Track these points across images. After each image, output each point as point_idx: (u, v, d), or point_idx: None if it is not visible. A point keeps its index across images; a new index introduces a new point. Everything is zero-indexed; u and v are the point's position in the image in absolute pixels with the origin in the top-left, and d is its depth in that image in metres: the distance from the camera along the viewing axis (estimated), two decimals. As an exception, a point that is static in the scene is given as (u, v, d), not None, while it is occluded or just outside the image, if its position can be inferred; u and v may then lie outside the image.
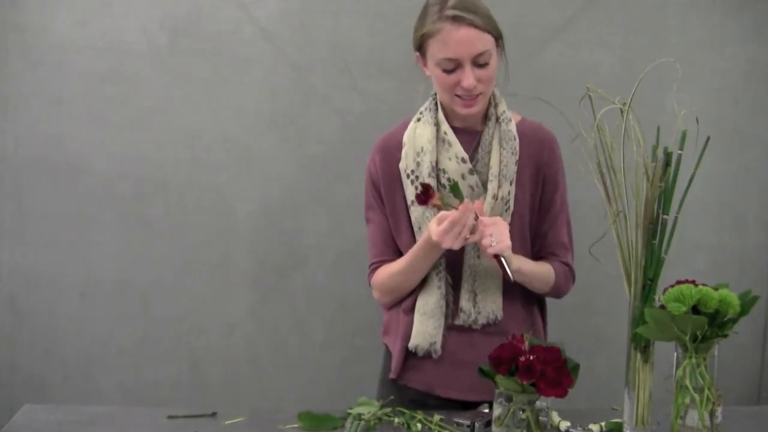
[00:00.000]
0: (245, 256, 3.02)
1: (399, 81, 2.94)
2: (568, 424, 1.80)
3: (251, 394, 3.05)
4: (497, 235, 1.80)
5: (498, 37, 1.90)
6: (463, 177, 1.95)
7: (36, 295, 3.00)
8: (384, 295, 2.08)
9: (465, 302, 1.98)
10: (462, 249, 1.93)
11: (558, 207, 2.03)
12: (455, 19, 1.83)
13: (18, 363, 3.02)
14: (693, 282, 1.57)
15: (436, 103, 2.01)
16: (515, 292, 2.00)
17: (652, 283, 1.64)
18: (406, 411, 1.84)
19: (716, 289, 1.57)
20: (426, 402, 1.99)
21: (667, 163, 1.61)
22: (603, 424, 1.79)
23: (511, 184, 1.96)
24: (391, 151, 2.04)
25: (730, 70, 3.06)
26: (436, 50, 1.87)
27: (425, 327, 2.00)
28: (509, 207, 1.96)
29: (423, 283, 2.01)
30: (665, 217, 1.62)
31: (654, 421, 1.66)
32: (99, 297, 3.01)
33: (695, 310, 1.55)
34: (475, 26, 1.83)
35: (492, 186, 1.94)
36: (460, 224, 1.79)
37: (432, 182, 1.93)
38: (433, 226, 1.82)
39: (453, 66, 1.86)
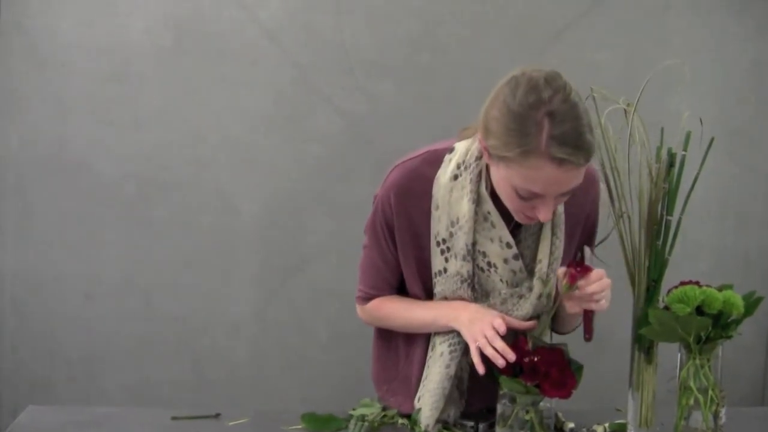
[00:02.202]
0: (249, 256, 3.03)
1: (402, 82, 2.95)
2: (572, 425, 1.79)
3: (255, 395, 3.05)
4: (607, 294, 1.59)
5: None
6: (505, 261, 1.68)
7: (40, 296, 3.00)
8: (373, 321, 1.89)
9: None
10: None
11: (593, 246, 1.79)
12: (560, 162, 1.45)
13: (22, 363, 3.03)
14: (697, 283, 1.57)
15: (479, 171, 1.66)
16: None
17: (656, 284, 1.63)
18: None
19: (720, 290, 1.57)
20: None
21: (671, 164, 1.61)
22: (607, 425, 1.79)
23: (555, 274, 1.68)
24: (413, 194, 1.70)
25: (734, 71, 3.05)
26: (518, 179, 1.50)
27: (435, 403, 1.75)
28: (551, 301, 1.71)
29: (434, 352, 1.76)
30: (669, 218, 1.62)
31: (658, 422, 1.66)
32: (103, 297, 3.01)
33: (699, 311, 1.55)
34: (580, 166, 1.48)
35: (539, 285, 1.68)
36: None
37: (468, 265, 1.68)
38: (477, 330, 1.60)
39: (533, 196, 1.52)
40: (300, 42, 2.96)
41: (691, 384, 1.56)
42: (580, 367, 1.64)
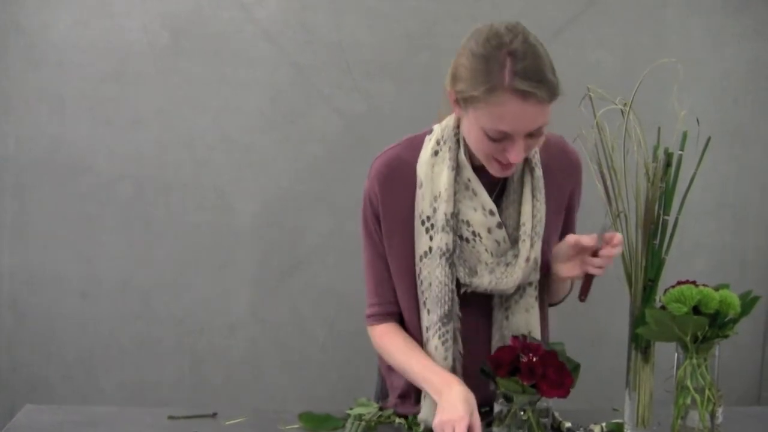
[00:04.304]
0: (246, 256, 3.03)
1: (400, 81, 2.95)
2: (569, 424, 1.79)
3: (252, 395, 3.05)
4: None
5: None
6: (489, 231, 1.68)
7: (37, 296, 3.00)
8: (378, 351, 1.87)
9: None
10: (485, 309, 1.76)
11: (574, 222, 1.85)
12: (524, 95, 1.50)
13: (19, 363, 3.03)
14: (694, 282, 1.57)
15: (457, 141, 1.71)
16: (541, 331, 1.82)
17: (653, 284, 1.64)
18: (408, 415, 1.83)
19: (717, 289, 1.57)
20: None
21: (668, 164, 1.61)
22: (604, 424, 1.79)
23: (541, 239, 1.71)
24: (396, 180, 1.74)
25: (731, 71, 3.06)
26: (486, 117, 1.54)
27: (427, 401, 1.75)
28: (537, 266, 1.73)
29: (428, 347, 1.76)
30: (666, 217, 1.62)
31: (655, 422, 1.66)
32: (100, 297, 3.01)
33: (696, 310, 1.55)
34: (543, 101, 1.52)
35: (524, 247, 1.68)
36: None
37: (447, 237, 1.68)
38: (438, 425, 1.59)
39: (503, 137, 1.55)
40: (298, 42, 2.96)
41: (688, 383, 1.56)
42: (576, 367, 1.64)
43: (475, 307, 1.75)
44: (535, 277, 1.74)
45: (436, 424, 1.59)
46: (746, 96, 3.07)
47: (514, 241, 1.70)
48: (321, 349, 3.06)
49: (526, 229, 1.69)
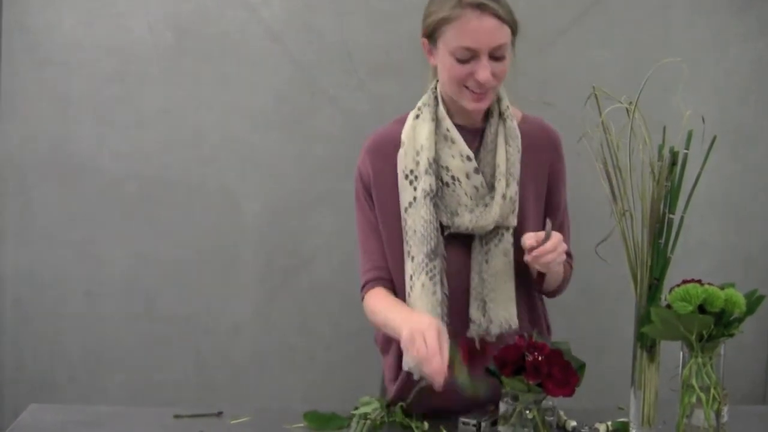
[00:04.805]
0: (251, 255, 3.03)
1: (405, 81, 2.94)
2: (575, 423, 1.80)
3: (257, 394, 3.05)
4: (559, 250, 1.72)
5: (515, 32, 1.80)
6: (467, 176, 1.82)
7: (41, 295, 3.01)
8: (369, 319, 1.93)
9: (474, 311, 1.84)
10: (466, 253, 1.85)
11: (561, 201, 1.96)
12: (479, 7, 1.72)
13: (24, 363, 3.03)
14: (699, 281, 1.57)
15: (435, 98, 1.89)
16: (521, 297, 1.90)
17: (658, 283, 1.64)
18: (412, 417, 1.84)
19: (722, 288, 1.57)
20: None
21: (673, 163, 1.61)
22: (609, 423, 1.79)
23: (516, 183, 1.85)
24: (385, 151, 1.91)
25: (735, 70, 3.05)
26: (452, 37, 1.74)
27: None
28: (515, 207, 1.85)
29: (414, 291, 1.84)
30: (671, 216, 1.62)
31: (660, 421, 1.66)
32: (104, 297, 3.01)
33: (701, 309, 1.55)
34: (499, 17, 1.73)
35: (500, 185, 1.82)
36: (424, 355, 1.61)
37: (430, 179, 1.81)
38: (407, 336, 1.63)
39: (469, 56, 1.74)
40: (302, 41, 2.96)
41: (694, 382, 1.56)
42: (582, 365, 1.65)
43: (457, 251, 1.86)
44: (513, 221, 1.85)
45: (405, 336, 1.64)
46: (750, 95, 3.06)
47: (491, 186, 1.84)
48: (326, 349, 3.06)
49: (501, 170, 1.83)
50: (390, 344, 1.96)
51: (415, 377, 1.67)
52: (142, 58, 2.94)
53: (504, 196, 1.82)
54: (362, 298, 1.94)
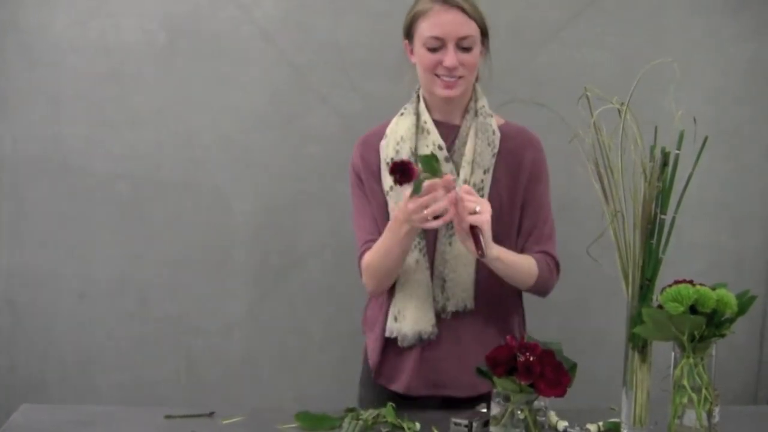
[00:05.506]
0: (244, 255, 3.03)
1: (398, 81, 2.94)
2: (566, 423, 1.80)
3: (249, 394, 3.05)
4: (482, 205, 1.82)
5: (484, 33, 1.99)
6: None
7: (34, 295, 3.00)
8: (370, 278, 2.05)
9: (435, 288, 2.01)
10: (435, 234, 1.99)
11: (540, 200, 2.06)
12: (447, 2, 1.94)
13: (16, 363, 3.02)
14: (691, 282, 1.57)
15: (418, 96, 2.09)
16: (491, 284, 2.00)
17: (650, 283, 1.64)
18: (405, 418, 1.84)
19: (714, 288, 1.57)
20: (407, 404, 1.97)
21: (665, 163, 1.61)
22: (601, 423, 1.80)
23: (485, 173, 1.99)
24: (372, 144, 2.10)
25: (730, 70, 3.06)
26: (424, 29, 1.97)
27: (409, 311, 2.03)
28: (483, 195, 1.98)
29: (408, 267, 2.02)
30: (663, 217, 1.62)
31: (652, 421, 1.66)
32: (97, 297, 3.01)
33: (693, 310, 1.55)
34: (464, 11, 1.94)
35: (464, 172, 1.98)
36: (430, 200, 1.79)
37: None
38: (403, 204, 1.84)
39: (438, 45, 1.95)
40: (295, 41, 2.96)
41: (685, 383, 1.56)
42: (573, 366, 1.64)
43: (430, 234, 2.00)
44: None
45: (401, 214, 1.85)
46: (745, 95, 3.07)
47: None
48: (318, 349, 3.06)
49: (467, 158, 2.00)
50: (376, 320, 2.11)
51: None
52: (135, 58, 2.94)
53: (466, 182, 1.97)
54: (359, 265, 2.06)
